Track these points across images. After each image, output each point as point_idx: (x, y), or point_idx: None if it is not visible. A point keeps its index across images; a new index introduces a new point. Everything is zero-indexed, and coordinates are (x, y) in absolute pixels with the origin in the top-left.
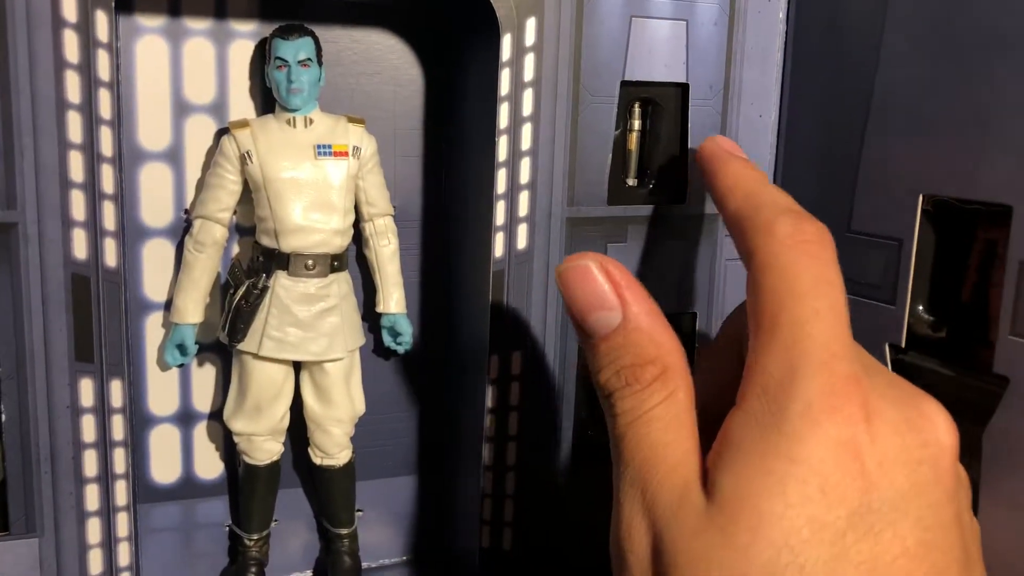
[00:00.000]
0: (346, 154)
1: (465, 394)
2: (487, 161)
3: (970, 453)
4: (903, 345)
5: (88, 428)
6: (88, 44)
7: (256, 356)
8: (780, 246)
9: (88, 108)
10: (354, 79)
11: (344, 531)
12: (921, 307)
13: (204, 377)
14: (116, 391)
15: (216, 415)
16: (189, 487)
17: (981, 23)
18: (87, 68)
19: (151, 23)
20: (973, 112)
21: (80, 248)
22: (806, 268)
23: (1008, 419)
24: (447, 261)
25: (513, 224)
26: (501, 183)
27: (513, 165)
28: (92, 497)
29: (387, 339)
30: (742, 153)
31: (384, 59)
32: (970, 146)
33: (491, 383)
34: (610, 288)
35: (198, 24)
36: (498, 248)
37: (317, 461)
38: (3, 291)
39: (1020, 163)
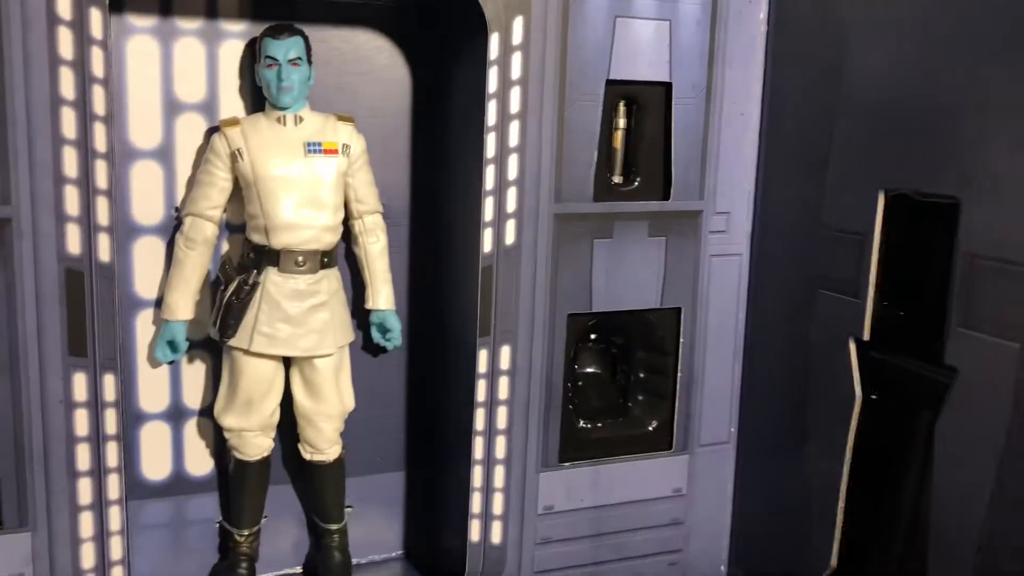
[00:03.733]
0: (336, 151)
1: (455, 389)
2: (475, 158)
3: (924, 444)
4: (866, 339)
5: (81, 422)
6: (82, 41)
7: (247, 352)
8: None
9: (82, 104)
10: (343, 78)
11: (334, 527)
12: (884, 301)
13: (195, 374)
14: (109, 385)
15: (207, 412)
16: (180, 483)
17: (947, 29)
18: (81, 65)
19: (142, 23)
20: (932, 111)
21: (74, 243)
22: None
23: (957, 409)
24: (436, 257)
25: (501, 220)
26: (489, 179)
27: (501, 162)
28: (85, 491)
29: (376, 335)
30: None
31: (373, 58)
32: (928, 143)
33: (480, 377)
34: None
35: (189, 24)
36: (486, 244)
37: (307, 457)
38: None
39: (968, 158)
